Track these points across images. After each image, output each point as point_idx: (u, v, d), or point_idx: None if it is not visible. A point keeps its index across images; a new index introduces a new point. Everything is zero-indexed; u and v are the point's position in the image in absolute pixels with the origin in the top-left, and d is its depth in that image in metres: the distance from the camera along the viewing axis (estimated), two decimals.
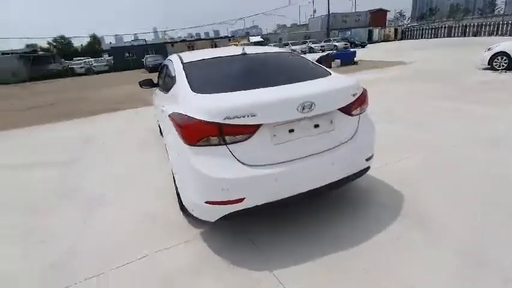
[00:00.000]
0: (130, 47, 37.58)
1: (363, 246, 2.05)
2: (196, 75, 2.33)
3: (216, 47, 34.41)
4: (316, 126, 2.05)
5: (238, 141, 1.85)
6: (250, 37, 40.54)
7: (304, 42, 32.23)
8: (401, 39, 40.66)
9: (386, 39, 40.89)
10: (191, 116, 1.85)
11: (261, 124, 1.86)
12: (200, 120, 1.80)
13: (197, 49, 30.91)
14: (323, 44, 30.60)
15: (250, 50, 2.82)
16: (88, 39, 75.28)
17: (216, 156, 1.85)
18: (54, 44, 72.06)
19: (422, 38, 37.85)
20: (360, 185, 2.84)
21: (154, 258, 2.13)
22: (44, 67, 28.90)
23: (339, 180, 2.17)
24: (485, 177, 2.83)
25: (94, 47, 69.48)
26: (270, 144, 1.91)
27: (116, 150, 4.58)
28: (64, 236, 2.49)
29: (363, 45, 31.78)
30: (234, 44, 27.94)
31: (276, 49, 3.18)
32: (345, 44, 29.29)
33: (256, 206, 1.93)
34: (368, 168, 2.40)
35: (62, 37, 72.98)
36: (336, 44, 29.19)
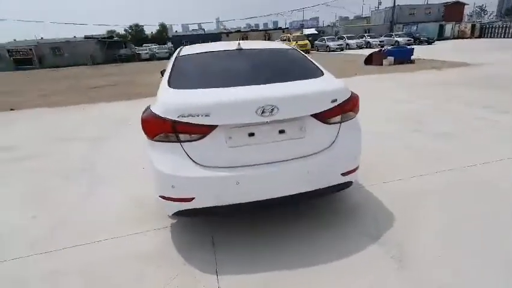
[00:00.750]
0: (187, 35, 39.50)
1: (316, 270, 1.86)
2: (181, 70, 2.32)
3: (269, 38, 34.25)
4: (282, 132, 1.88)
5: (192, 140, 1.81)
6: (304, 29, 39.23)
7: (361, 37, 30.19)
8: (479, 36, 35.46)
9: (461, 36, 36.12)
10: (153, 110, 1.86)
11: (217, 125, 1.78)
12: (156, 116, 1.80)
13: (250, 39, 31.15)
14: (382, 38, 28.32)
15: (247, 45, 2.71)
16: (157, 28, 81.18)
17: (171, 153, 1.83)
18: (129, 31, 79.32)
19: (505, 37, 32.47)
20: (348, 201, 2.59)
21: (120, 240, 2.24)
22: (116, 52, 32.03)
23: (308, 192, 1.99)
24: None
25: (162, 34, 74.39)
26: (225, 146, 1.83)
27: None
28: (57, 208, 2.78)
29: (429, 42, 28.61)
30: (286, 36, 27.26)
31: (278, 45, 3.00)
32: (408, 40, 26.64)
33: (208, 207, 1.88)
34: (347, 183, 2.15)
35: (136, 25, 79.54)
36: (398, 39, 26.74)
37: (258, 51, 2.68)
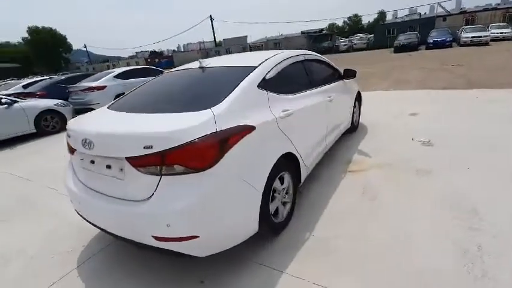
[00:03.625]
0: (392, 24, 34.53)
1: None
2: (133, 90, 2.64)
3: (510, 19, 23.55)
4: (108, 167, 1.79)
5: (72, 155, 2.14)
6: None
7: None
8: None
9: None
10: None
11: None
12: None
13: (477, 23, 23.11)
14: None
15: (214, 62, 2.54)
16: (376, 16, 76.98)
17: (70, 165, 2.23)
18: (348, 22, 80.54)
19: None
20: None
21: None
22: (319, 44, 34.07)
23: (134, 240, 1.76)
24: None
25: (378, 23, 70.06)
26: (80, 166, 2.00)
27: None
28: None
29: None
30: None
31: (241, 62, 2.49)
32: None
33: (81, 214, 2.11)
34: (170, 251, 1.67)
35: (356, 15, 79.18)
36: None
37: (198, 71, 2.44)
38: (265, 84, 2.21)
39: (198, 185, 1.59)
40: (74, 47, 71.79)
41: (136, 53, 73.58)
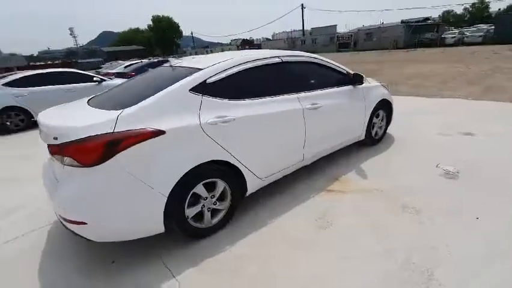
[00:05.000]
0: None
1: None
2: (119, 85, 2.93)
3: None
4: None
5: None
6: None
7: None
8: None
9: None
10: None
11: None
12: None
13: None
14: None
15: (183, 62, 2.60)
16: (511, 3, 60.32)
17: None
18: (470, 9, 65.83)
19: None
20: None
21: None
22: (421, 35, 29.08)
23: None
24: None
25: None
26: None
27: None
28: None
29: None
30: None
31: (193, 64, 2.39)
32: None
33: None
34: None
35: (482, 1, 63.88)
36: None
37: (163, 70, 2.55)
38: (203, 88, 2.13)
39: (86, 178, 1.72)
40: (184, 34, 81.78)
41: (231, 41, 78.37)
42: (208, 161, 2.07)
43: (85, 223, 1.75)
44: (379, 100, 3.62)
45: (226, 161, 2.18)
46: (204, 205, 2.17)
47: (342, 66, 3.29)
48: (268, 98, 2.46)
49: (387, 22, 42.02)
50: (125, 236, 1.91)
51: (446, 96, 6.45)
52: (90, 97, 2.55)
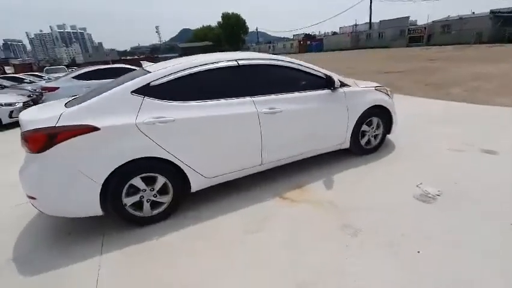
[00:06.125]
0: None
1: None
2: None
3: None
4: None
5: None
6: None
7: None
8: None
9: None
10: None
11: None
12: None
13: None
14: None
15: (153, 66, 2.77)
16: None
17: None
18: None
19: None
20: None
21: None
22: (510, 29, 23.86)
23: None
24: None
25: None
26: None
27: None
28: None
29: None
30: None
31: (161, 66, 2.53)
32: None
33: None
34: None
35: None
36: None
37: (136, 73, 2.72)
38: (145, 90, 2.29)
39: (34, 162, 2.09)
40: (251, 30, 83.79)
41: (293, 36, 77.06)
42: (145, 157, 2.25)
43: (34, 198, 2.13)
44: (369, 106, 3.25)
45: (166, 159, 2.33)
46: (142, 196, 2.36)
47: (322, 70, 3.05)
48: (217, 101, 2.49)
49: (477, 12, 35.42)
50: (68, 213, 2.25)
51: (498, 103, 5.29)
52: (74, 96, 2.95)
